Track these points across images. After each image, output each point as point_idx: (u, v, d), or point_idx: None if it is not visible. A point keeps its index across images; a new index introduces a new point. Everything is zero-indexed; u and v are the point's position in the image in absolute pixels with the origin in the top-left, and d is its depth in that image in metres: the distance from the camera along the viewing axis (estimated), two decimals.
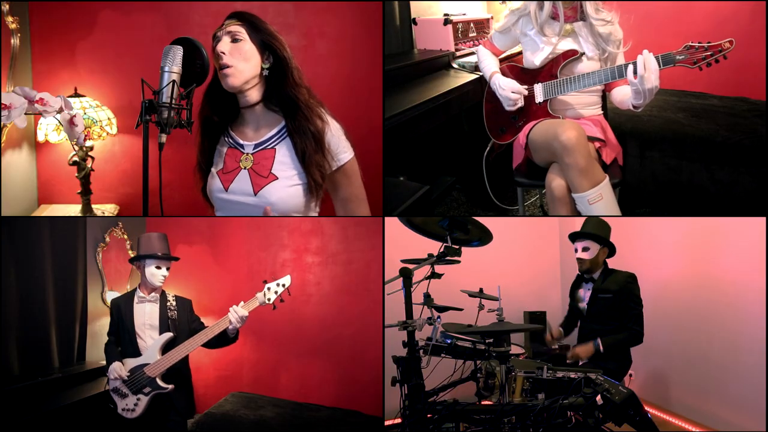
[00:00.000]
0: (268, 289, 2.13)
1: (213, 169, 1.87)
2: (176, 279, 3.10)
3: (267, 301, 2.12)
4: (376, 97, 2.84)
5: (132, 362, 2.13)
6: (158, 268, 2.21)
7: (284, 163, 1.76)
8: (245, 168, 1.79)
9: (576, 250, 2.53)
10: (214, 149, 1.90)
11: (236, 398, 2.88)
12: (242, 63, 1.73)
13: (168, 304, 2.24)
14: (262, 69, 1.77)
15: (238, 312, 2.09)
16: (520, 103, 2.46)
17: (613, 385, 1.79)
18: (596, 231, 2.49)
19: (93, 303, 2.88)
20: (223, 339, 2.15)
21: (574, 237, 2.55)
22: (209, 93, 1.84)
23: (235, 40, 1.74)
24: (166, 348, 2.14)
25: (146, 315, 2.21)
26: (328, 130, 1.78)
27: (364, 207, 1.92)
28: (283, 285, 2.14)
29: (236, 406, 2.76)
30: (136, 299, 2.24)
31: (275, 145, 1.78)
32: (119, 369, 2.09)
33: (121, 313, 2.22)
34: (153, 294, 2.24)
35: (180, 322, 2.22)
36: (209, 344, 2.17)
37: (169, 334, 2.16)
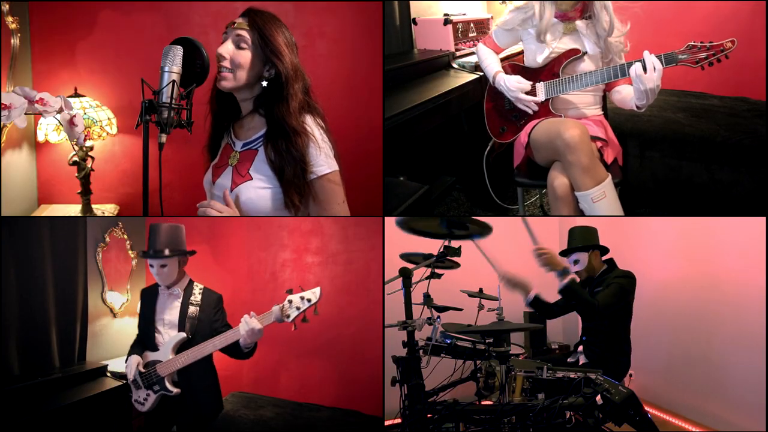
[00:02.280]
0: (290, 302, 1.86)
1: (212, 161, 1.91)
2: None
3: (285, 319, 1.84)
4: (376, 97, 2.84)
5: (150, 356, 2.11)
6: (152, 266, 2.11)
7: (261, 165, 1.76)
8: (231, 165, 1.81)
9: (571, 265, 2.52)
10: (221, 139, 1.92)
11: (236, 398, 2.87)
12: (239, 70, 1.73)
13: (191, 299, 2.12)
14: (262, 78, 1.76)
15: (249, 323, 1.89)
16: (534, 107, 2.46)
17: (613, 385, 1.79)
18: (580, 243, 2.48)
19: (93, 303, 2.88)
20: (236, 352, 2.02)
21: (563, 254, 2.54)
22: (215, 87, 1.84)
23: (239, 47, 1.73)
24: (181, 348, 2.06)
25: (167, 310, 2.14)
26: (309, 145, 1.72)
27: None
28: (309, 300, 1.83)
29: (236, 406, 2.76)
30: (159, 291, 2.16)
31: (258, 147, 1.79)
32: (133, 364, 2.07)
33: (145, 303, 2.19)
34: (175, 288, 2.13)
35: (201, 321, 2.10)
36: (226, 352, 2.06)
37: (182, 335, 2.07)
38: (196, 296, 2.12)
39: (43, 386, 2.29)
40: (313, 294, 1.83)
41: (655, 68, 2.08)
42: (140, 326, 2.22)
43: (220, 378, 3.15)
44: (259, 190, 1.74)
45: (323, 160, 1.74)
